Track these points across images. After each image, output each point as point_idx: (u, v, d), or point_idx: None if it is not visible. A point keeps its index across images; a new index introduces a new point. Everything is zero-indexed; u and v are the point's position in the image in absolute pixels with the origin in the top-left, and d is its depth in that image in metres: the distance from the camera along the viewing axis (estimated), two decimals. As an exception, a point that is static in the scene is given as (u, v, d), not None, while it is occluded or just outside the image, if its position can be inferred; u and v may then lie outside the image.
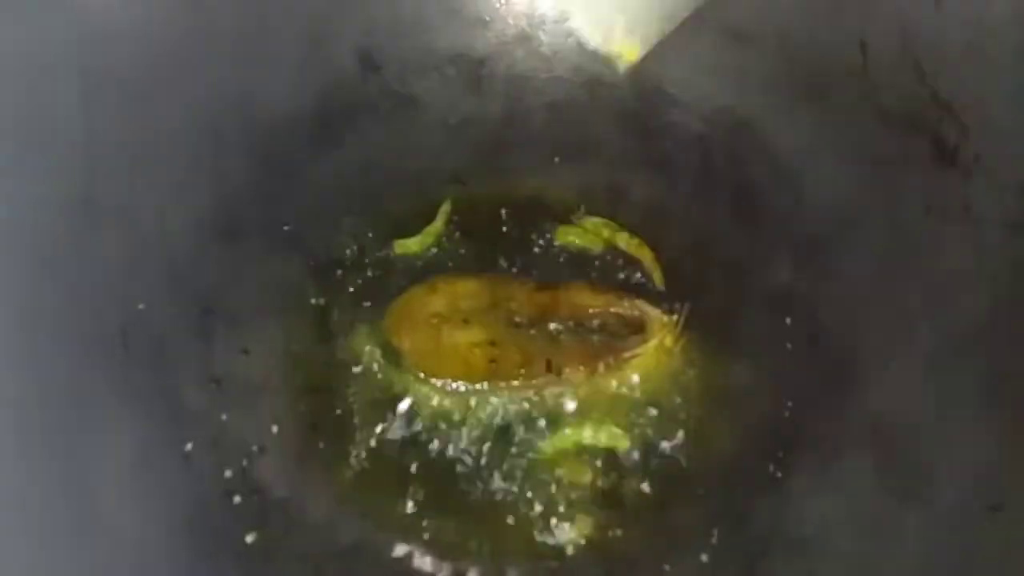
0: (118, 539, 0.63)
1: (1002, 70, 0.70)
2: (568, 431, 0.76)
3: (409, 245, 0.86)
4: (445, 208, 0.88)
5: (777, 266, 0.83)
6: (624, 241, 0.87)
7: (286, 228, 0.85)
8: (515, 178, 0.91)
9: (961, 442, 0.66)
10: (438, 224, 0.88)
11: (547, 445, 0.75)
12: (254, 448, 0.74)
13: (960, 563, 0.63)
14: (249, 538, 0.69)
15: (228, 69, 0.81)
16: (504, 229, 0.89)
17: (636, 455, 0.76)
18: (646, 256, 0.86)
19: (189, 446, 0.71)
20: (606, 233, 0.88)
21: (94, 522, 0.63)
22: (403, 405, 0.78)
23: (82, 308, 0.71)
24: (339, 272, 0.85)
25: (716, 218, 0.87)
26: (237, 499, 0.71)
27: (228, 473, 0.72)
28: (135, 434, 0.69)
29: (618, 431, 0.76)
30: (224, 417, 0.74)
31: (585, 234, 0.87)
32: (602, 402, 0.78)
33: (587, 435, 0.76)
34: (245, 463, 0.73)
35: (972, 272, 0.70)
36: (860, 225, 0.79)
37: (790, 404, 0.76)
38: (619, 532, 0.72)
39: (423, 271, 0.85)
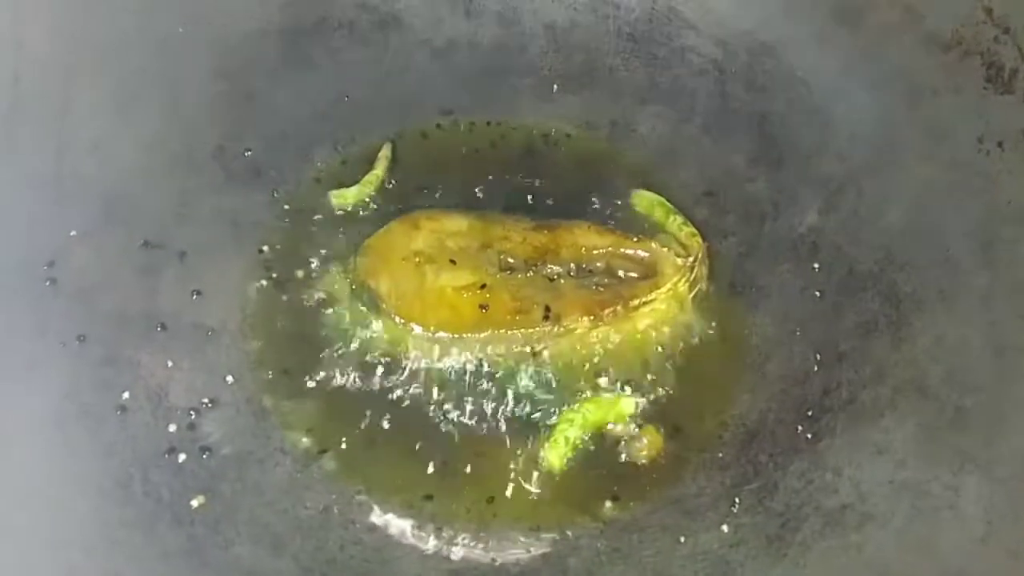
0: (31, 502, 0.53)
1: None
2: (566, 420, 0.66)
3: (346, 196, 0.75)
4: (384, 152, 0.78)
5: (803, 208, 0.75)
6: (676, 227, 0.74)
7: (248, 154, 0.75)
8: (508, 109, 0.82)
9: (1025, 397, 0.58)
10: (377, 171, 0.77)
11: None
12: (204, 400, 0.64)
13: (1025, 537, 0.54)
14: (195, 502, 0.59)
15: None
16: (496, 166, 0.79)
17: (647, 418, 0.67)
18: (695, 246, 0.73)
19: (126, 396, 0.62)
20: (657, 213, 0.75)
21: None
22: (378, 355, 0.68)
23: (4, 233, 0.63)
24: (307, 206, 0.75)
25: (734, 155, 0.79)
26: (182, 458, 0.61)
27: (172, 428, 0.62)
28: (60, 380, 0.60)
29: (629, 401, 0.66)
30: (169, 364, 0.65)
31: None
32: (606, 356, 0.69)
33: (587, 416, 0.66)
34: (193, 417, 0.63)
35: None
36: (899, 160, 0.71)
37: (819, 358, 0.68)
38: (628, 502, 0.63)
39: (404, 207, 0.75)
